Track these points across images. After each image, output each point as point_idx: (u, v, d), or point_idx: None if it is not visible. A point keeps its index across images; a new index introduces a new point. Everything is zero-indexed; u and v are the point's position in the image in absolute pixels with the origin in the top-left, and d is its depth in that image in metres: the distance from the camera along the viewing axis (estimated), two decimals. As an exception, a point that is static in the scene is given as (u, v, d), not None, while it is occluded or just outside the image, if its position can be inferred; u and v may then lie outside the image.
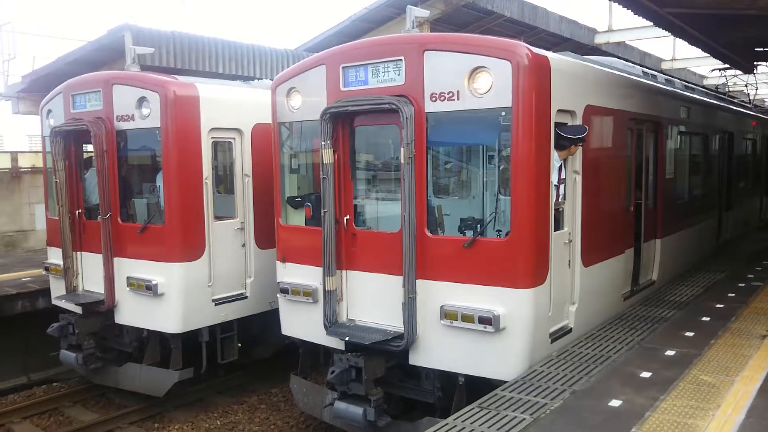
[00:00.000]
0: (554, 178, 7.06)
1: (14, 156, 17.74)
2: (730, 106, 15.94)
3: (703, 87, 20.07)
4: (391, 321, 7.38)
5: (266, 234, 9.73)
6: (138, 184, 10.50)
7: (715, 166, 13.98)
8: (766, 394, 5.89)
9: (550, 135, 6.86)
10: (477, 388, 6.76)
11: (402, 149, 7.01)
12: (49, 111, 10.76)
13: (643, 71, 11.37)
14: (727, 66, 16.21)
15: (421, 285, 7.08)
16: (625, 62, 11.83)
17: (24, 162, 17.82)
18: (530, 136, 6.52)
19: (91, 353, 10.18)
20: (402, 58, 7.13)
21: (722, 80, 20.41)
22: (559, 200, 7.32)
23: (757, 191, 18.39)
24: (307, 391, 8.67)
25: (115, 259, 9.70)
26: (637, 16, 9.84)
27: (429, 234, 7.11)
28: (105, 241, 9.68)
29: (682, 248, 11.51)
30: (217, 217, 9.73)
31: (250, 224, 10.11)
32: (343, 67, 7.60)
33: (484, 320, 6.64)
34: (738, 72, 17.53)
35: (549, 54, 6.98)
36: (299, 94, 8.15)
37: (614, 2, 9.40)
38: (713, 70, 20.29)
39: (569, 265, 7.54)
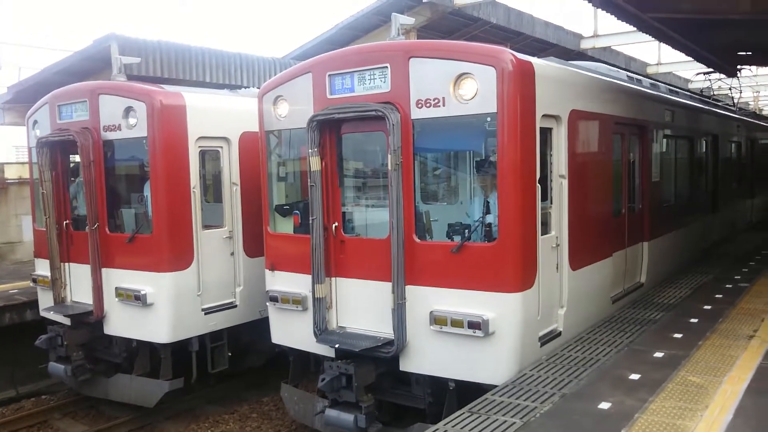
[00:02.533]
0: None
1: (0, 167, 17.60)
2: (715, 110, 16.09)
3: (688, 91, 20.24)
4: (381, 327, 7.39)
5: (255, 242, 9.71)
6: (125, 194, 10.45)
7: (700, 168, 14.08)
8: (754, 394, 5.93)
9: (535, 140, 6.91)
10: (467, 392, 6.76)
11: (389, 156, 7.03)
12: (35, 122, 10.72)
13: (628, 76, 11.48)
14: (711, 70, 16.34)
15: (410, 291, 7.09)
16: (610, 67, 11.93)
17: (10, 173, 17.65)
18: (515, 141, 6.57)
19: (80, 365, 10.11)
20: (388, 65, 7.16)
21: (707, 84, 20.57)
22: None
23: (744, 193, 18.53)
24: (298, 399, 8.65)
25: (104, 270, 9.65)
26: (621, 21, 9.93)
27: (417, 240, 7.13)
28: (93, 252, 9.63)
29: (670, 251, 11.58)
30: (206, 226, 9.71)
31: (239, 233, 10.08)
32: (329, 75, 7.62)
33: (474, 325, 6.65)
34: (722, 75, 17.67)
35: (533, 59, 7.03)
36: (286, 102, 8.16)
37: (599, 8, 9.49)
38: (698, 74, 20.44)
39: (557, 268, 7.58)
